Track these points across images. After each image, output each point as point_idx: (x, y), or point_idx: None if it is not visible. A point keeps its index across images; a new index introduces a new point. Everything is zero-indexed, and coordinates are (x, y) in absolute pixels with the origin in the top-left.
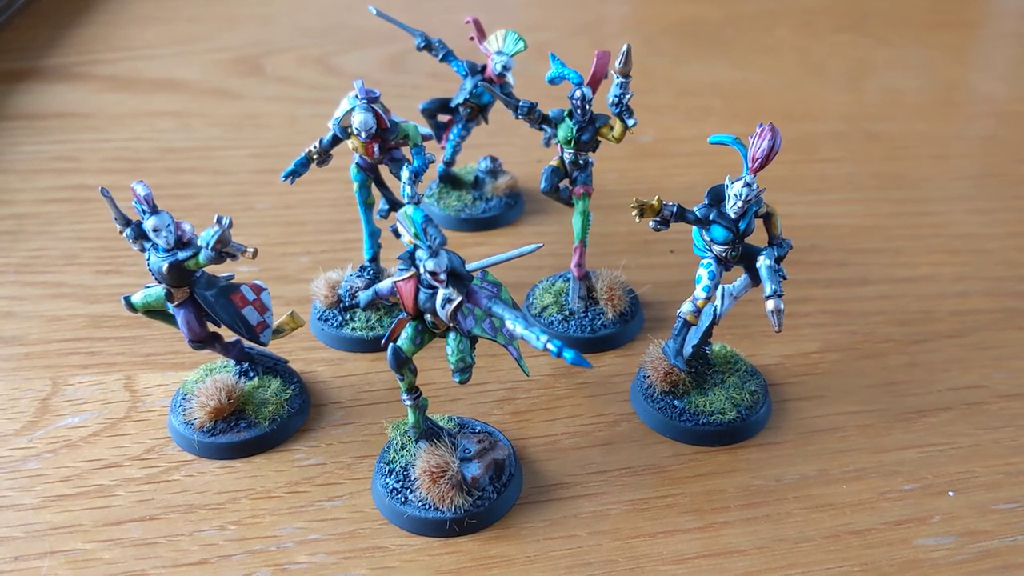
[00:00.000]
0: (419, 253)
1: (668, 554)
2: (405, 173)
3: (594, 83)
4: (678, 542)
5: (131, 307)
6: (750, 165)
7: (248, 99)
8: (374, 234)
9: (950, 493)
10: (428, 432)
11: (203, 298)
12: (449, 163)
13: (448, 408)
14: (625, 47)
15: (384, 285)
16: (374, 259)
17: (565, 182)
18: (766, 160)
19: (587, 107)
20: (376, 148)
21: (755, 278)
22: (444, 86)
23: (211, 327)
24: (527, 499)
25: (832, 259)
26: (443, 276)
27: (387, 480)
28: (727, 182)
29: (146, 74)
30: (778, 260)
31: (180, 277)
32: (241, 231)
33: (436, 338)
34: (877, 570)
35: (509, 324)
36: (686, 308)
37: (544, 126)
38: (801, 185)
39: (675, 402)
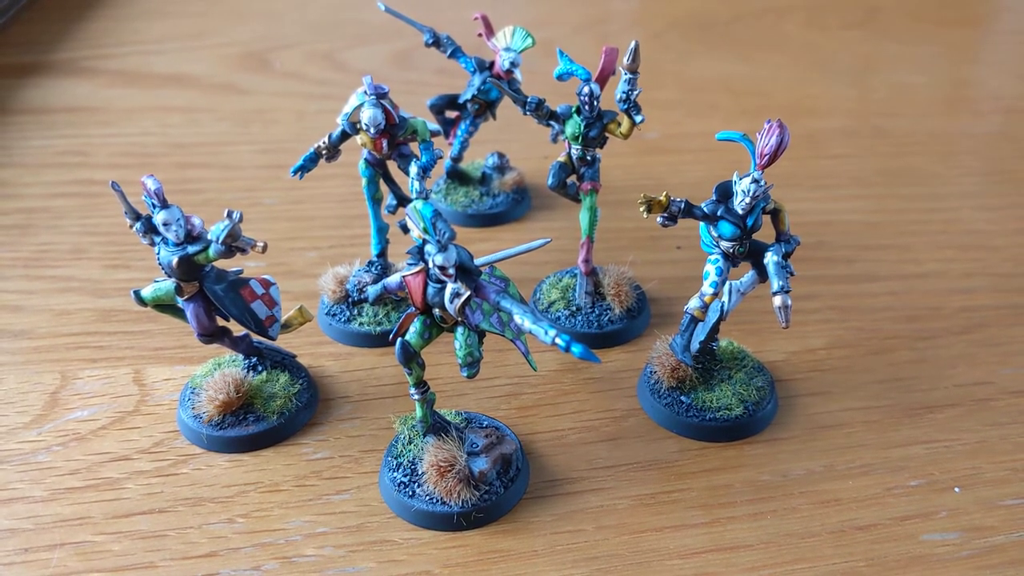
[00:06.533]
0: (428, 248)
1: (675, 549)
2: (413, 169)
3: (602, 79)
4: (685, 537)
5: (141, 301)
6: (758, 161)
7: (256, 94)
8: (382, 229)
9: (956, 489)
10: (436, 426)
11: (212, 292)
12: (457, 159)
13: (455, 403)
14: (633, 43)
15: (393, 280)
16: (382, 254)
17: (572, 178)
18: (774, 156)
19: (595, 103)
20: (385, 144)
21: (762, 274)
22: (452, 82)
23: (220, 321)
24: (534, 494)
25: (840, 255)
26: (452, 271)
27: (395, 474)
28: (735, 178)
29: (154, 69)
30: (786, 256)
31: (190, 271)
32: (249, 226)
33: (444, 333)
34: (883, 565)
35: (517, 319)
36: (693, 304)
37: (552, 122)
38: (809, 181)
39: (682, 398)
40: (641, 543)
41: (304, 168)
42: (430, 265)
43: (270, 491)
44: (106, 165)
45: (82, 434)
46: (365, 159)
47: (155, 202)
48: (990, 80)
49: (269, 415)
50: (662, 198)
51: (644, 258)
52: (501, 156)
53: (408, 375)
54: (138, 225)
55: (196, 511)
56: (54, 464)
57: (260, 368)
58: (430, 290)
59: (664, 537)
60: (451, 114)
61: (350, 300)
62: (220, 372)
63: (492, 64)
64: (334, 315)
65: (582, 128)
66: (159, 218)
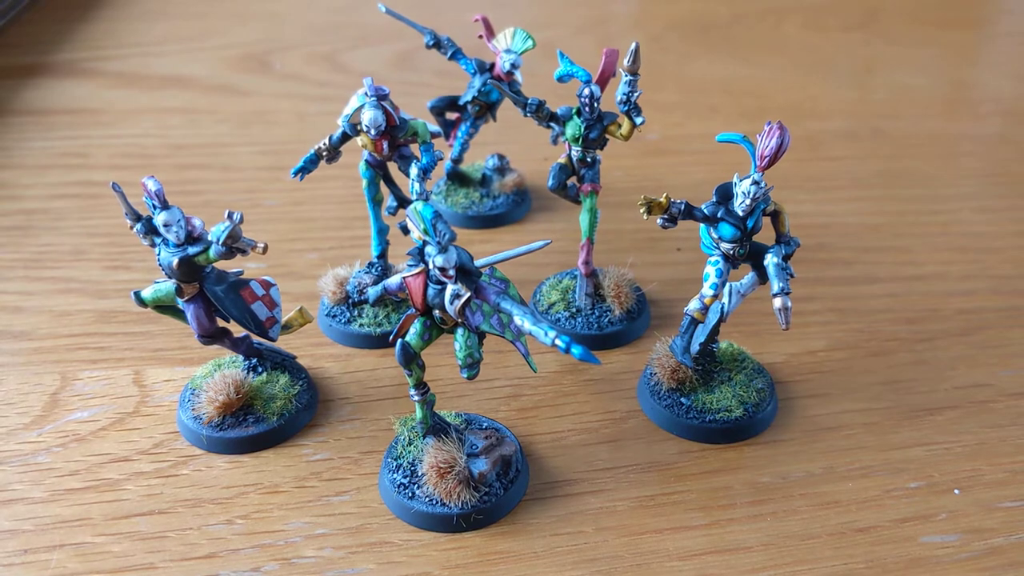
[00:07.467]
0: (428, 249)
1: (674, 550)
2: (414, 170)
3: (602, 81)
4: (684, 538)
5: (141, 302)
6: (758, 163)
7: (257, 96)
8: (382, 231)
9: (956, 491)
10: (435, 428)
11: (213, 293)
12: (457, 160)
13: (455, 404)
14: (634, 45)
15: (393, 281)
16: (382, 256)
17: (573, 180)
18: (774, 158)
19: (595, 105)
20: (385, 145)
21: (763, 276)
22: (452, 84)
23: (220, 322)
24: (533, 495)
25: (839, 257)
26: (452, 272)
27: (394, 475)
28: (735, 180)
29: (155, 70)
30: (786, 258)
31: (190, 272)
32: (250, 227)
33: (444, 334)
34: (882, 567)
35: (517, 320)
36: (693, 306)
37: (552, 124)
38: (809, 183)
39: (682, 399)
40: (641, 545)
41: (304, 169)
42: (430, 266)
43: (270, 492)
44: (106, 166)
45: (82, 435)
46: (365, 160)
47: (156, 203)
48: (990, 82)
49: (269, 416)
50: (662, 200)
51: (644, 260)
52: (501, 158)
53: (408, 376)
54: (138, 226)
55: (196, 512)
56: (54, 465)
57: (260, 369)
58: (430, 291)
59: (664, 539)
60: (451, 116)
61: (350, 301)
62: (220, 373)
63: (493, 66)
64: (334, 316)
65: (582, 130)
66: (159, 219)
